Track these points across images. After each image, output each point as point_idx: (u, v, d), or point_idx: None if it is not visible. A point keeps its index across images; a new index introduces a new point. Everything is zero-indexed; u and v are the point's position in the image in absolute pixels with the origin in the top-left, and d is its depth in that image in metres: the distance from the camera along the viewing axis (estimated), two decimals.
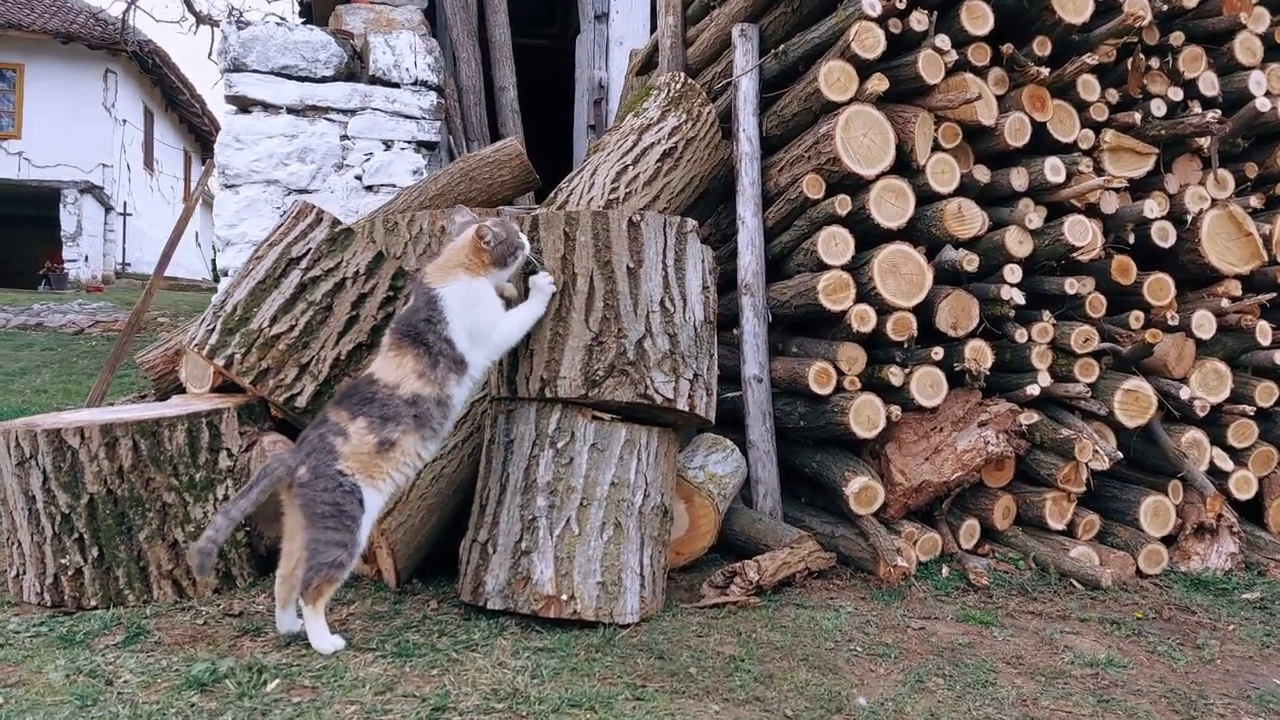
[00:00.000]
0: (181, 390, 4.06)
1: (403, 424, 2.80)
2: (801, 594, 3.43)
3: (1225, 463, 4.18)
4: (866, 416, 3.73)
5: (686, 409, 3.08)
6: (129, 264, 20.98)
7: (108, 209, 20.35)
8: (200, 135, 25.13)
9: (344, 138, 6.40)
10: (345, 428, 2.76)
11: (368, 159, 6.43)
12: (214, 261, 22.93)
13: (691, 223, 3.19)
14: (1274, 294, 4.29)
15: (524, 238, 2.99)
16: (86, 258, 19.43)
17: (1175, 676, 2.87)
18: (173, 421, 3.13)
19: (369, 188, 6.41)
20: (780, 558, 3.41)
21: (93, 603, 3.04)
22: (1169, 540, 4.00)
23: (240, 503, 2.67)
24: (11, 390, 7.59)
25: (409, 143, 6.45)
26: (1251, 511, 4.30)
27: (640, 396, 3.00)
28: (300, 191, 6.25)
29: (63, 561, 3.04)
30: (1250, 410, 4.21)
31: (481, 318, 2.91)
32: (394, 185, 6.29)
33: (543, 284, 3.03)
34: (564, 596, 2.91)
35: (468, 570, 3.07)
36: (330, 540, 2.68)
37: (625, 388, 2.99)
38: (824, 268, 3.83)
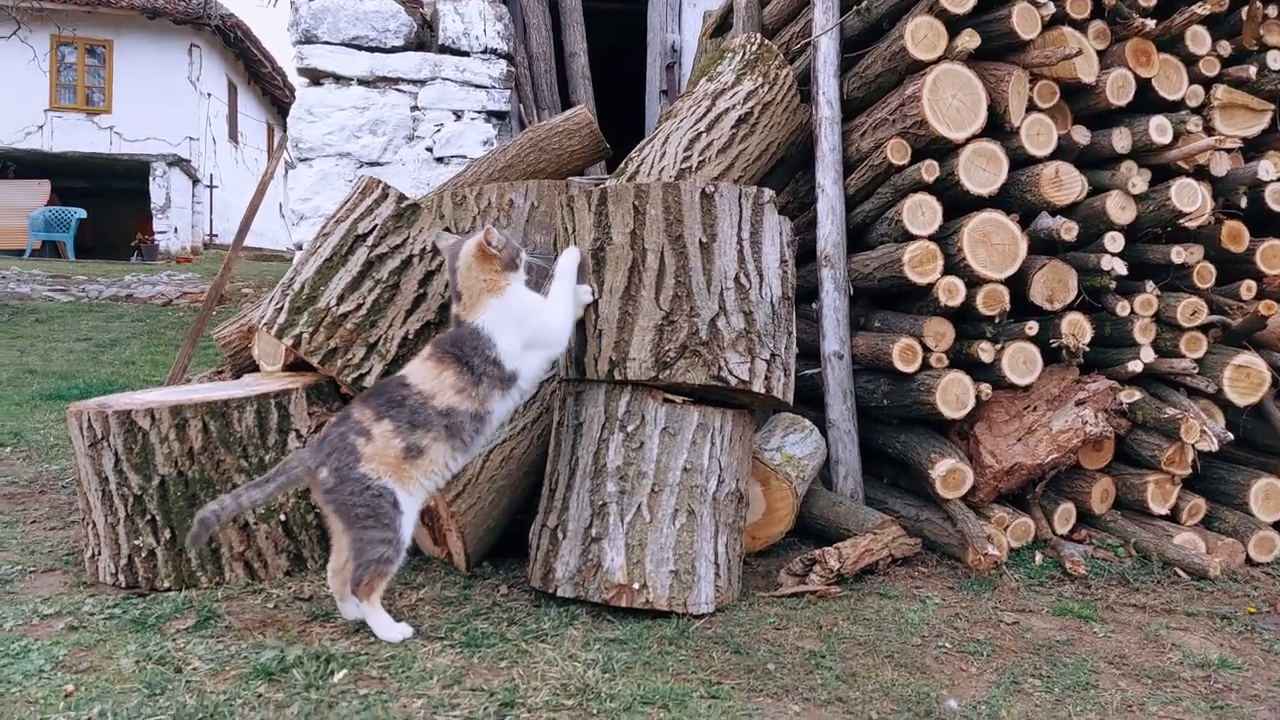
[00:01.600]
0: (256, 367, 4.05)
1: (433, 431, 2.69)
2: (885, 582, 3.28)
3: None
4: (955, 395, 3.53)
5: (762, 391, 2.94)
6: (216, 235, 21.48)
7: (194, 181, 20.83)
8: (282, 107, 25.49)
9: (414, 109, 6.34)
10: (369, 428, 2.66)
11: (438, 130, 6.36)
12: None
13: (768, 193, 3.02)
14: None
15: (517, 241, 2.90)
16: (176, 229, 19.94)
17: None
18: (241, 403, 3.09)
19: (440, 159, 6.34)
20: (862, 544, 3.26)
21: (166, 584, 3.04)
22: None
23: (253, 492, 2.62)
24: (102, 361, 7.77)
25: (479, 112, 6.36)
26: None
27: (713, 378, 2.86)
28: (372, 164, 6.22)
29: (136, 543, 3.04)
30: None
31: (528, 325, 2.80)
32: (464, 156, 6.22)
33: (565, 263, 2.94)
34: (635, 585, 2.81)
35: (537, 556, 2.99)
36: (373, 539, 2.61)
37: (697, 369, 2.86)
38: (909, 238, 3.63)
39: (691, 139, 3.80)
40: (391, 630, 2.66)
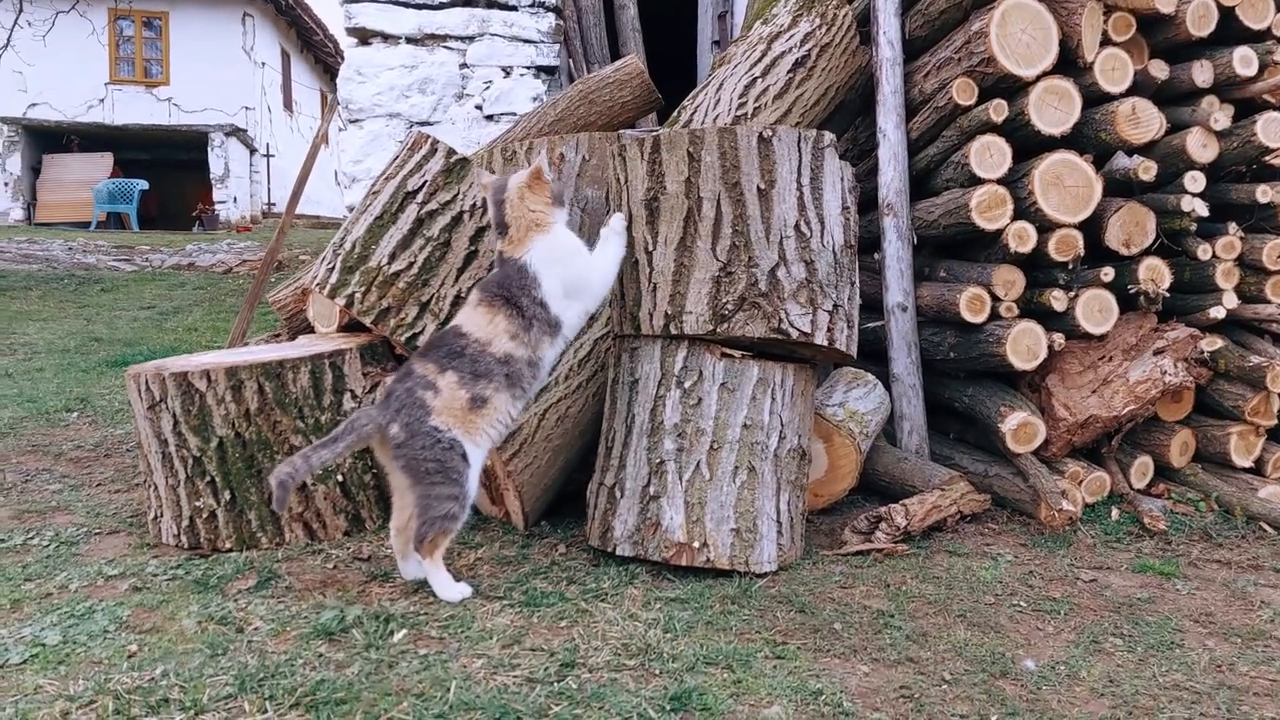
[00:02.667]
0: (311, 329, 4.04)
1: (494, 381, 2.66)
2: (953, 540, 3.17)
3: None
4: (1026, 346, 3.39)
5: (825, 344, 2.84)
6: (274, 204, 21.72)
7: (251, 151, 21.05)
8: (334, 75, 25.57)
9: (463, 66, 6.26)
10: (435, 381, 2.63)
11: (487, 87, 6.28)
12: None
13: (829, 136, 2.90)
14: None
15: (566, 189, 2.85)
16: (235, 199, 20.21)
17: None
18: (296, 364, 3.07)
19: (489, 117, 6.26)
20: (930, 501, 3.15)
21: (227, 545, 3.05)
22: None
23: (322, 452, 2.58)
24: (165, 329, 7.90)
25: (528, 68, 6.25)
26: None
27: (773, 331, 2.77)
28: (422, 124, 6.16)
29: (197, 504, 3.04)
30: None
31: (572, 266, 2.75)
32: (514, 113, 6.13)
33: (616, 224, 2.90)
34: (696, 544, 2.75)
35: (595, 514, 2.93)
36: (440, 495, 2.59)
37: (757, 322, 2.76)
38: (977, 182, 3.48)
39: (746, 85, 3.67)
40: (452, 590, 2.63)
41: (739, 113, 3.62)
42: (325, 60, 24.92)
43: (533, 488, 3.15)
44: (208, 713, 2.06)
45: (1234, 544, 3.18)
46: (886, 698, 2.16)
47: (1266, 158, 3.50)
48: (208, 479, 3.04)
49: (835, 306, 2.87)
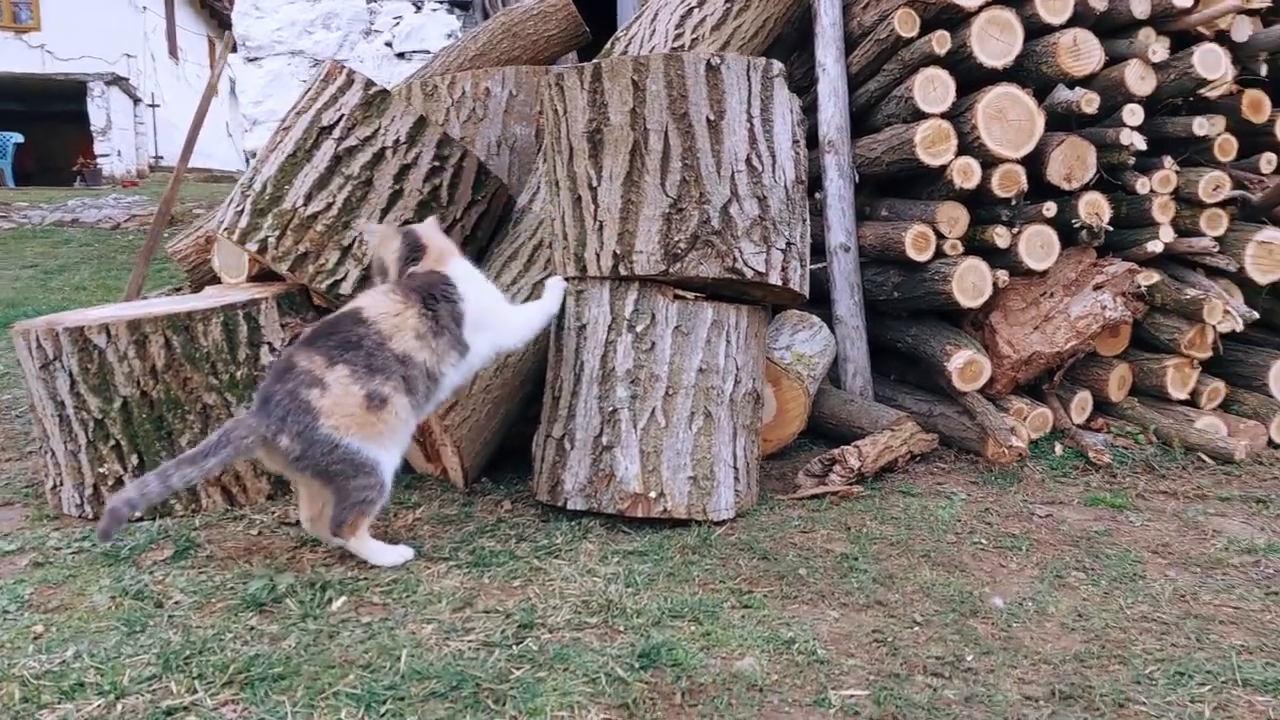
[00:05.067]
0: (217, 280, 3.76)
1: (392, 380, 2.38)
2: (905, 480, 3.12)
3: None
4: (971, 284, 3.34)
5: (780, 283, 2.72)
6: (161, 157, 20.65)
7: (135, 101, 19.94)
8: (223, 20, 24.38)
9: (370, 0, 5.91)
10: (321, 376, 2.33)
11: (397, 23, 5.93)
12: (246, 152, 22.58)
13: (778, 65, 2.76)
14: None
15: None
16: (119, 152, 19.14)
17: None
18: (206, 315, 2.82)
19: (400, 55, 5.93)
20: (881, 442, 3.09)
21: (137, 514, 2.80)
22: None
23: (187, 469, 2.26)
24: (51, 288, 7.39)
25: (441, 3, 5.93)
26: None
27: (728, 270, 2.64)
28: None
29: (101, 471, 2.79)
30: None
31: (488, 298, 2.60)
32: (426, 51, 5.82)
33: (554, 284, 2.80)
34: (652, 494, 2.62)
35: (543, 468, 2.78)
36: (357, 486, 2.36)
37: (711, 261, 2.63)
38: (920, 116, 3.38)
39: (683, 15, 3.49)
40: (388, 554, 2.45)
41: (675, 44, 3.45)
42: (212, 4, 23.69)
43: (472, 442, 2.97)
44: (130, 695, 1.87)
45: (1176, 475, 3.20)
46: (860, 643, 2.08)
47: (1203, 90, 3.48)
48: (112, 443, 2.79)
49: (788, 244, 2.75)
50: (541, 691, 1.87)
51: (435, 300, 2.48)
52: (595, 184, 2.69)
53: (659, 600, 2.24)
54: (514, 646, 2.05)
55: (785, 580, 2.37)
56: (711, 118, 2.63)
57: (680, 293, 2.69)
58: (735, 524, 2.70)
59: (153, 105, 20.44)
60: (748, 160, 2.67)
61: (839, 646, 2.07)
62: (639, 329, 2.66)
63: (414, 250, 2.56)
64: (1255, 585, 2.37)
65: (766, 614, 2.19)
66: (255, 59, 5.78)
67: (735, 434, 2.72)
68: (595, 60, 2.84)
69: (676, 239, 2.62)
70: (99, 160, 18.62)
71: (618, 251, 2.66)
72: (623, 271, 2.66)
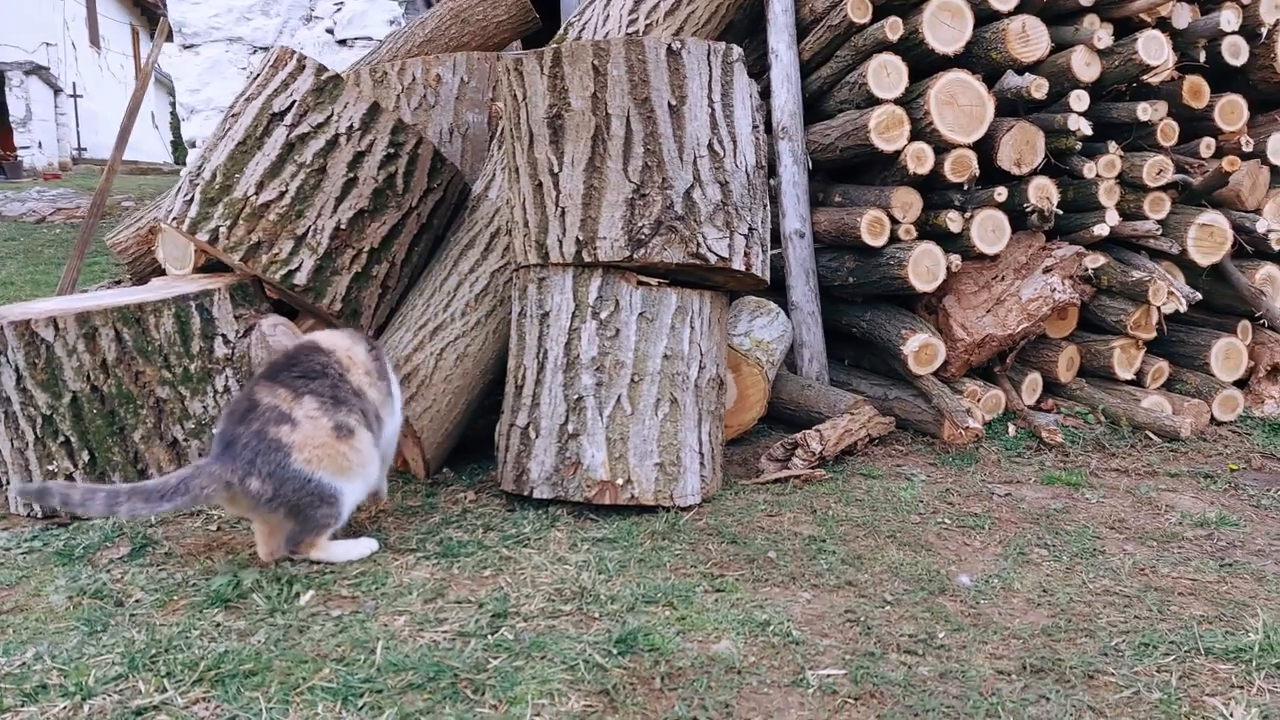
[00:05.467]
0: (160, 273, 3.66)
1: (355, 414, 2.35)
2: (865, 463, 3.16)
3: None
4: (926, 268, 3.38)
5: (743, 268, 2.72)
6: (85, 149, 20.02)
7: (56, 91, 19.29)
8: (146, 9, 23.72)
9: None
10: (290, 412, 2.27)
11: (338, 9, 5.81)
12: (174, 143, 21.97)
13: (737, 50, 2.76)
14: None
15: None
16: (40, 144, 18.51)
17: None
18: (158, 306, 2.75)
19: (342, 42, 5.81)
20: (842, 425, 3.12)
21: (60, 511, 2.72)
22: (1240, 384, 3.74)
23: (138, 504, 2.17)
24: None
25: None
26: None
27: (692, 256, 2.64)
28: (266, 49, 5.66)
29: (50, 468, 2.70)
30: None
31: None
32: (369, 38, 5.71)
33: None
34: (619, 481, 2.62)
35: (507, 457, 2.76)
36: (321, 513, 2.31)
37: (675, 247, 2.62)
38: (874, 102, 3.42)
39: (636, 0, 3.48)
40: (353, 548, 2.41)
41: (630, 30, 3.44)
42: None
43: (433, 433, 2.94)
44: (96, 696, 1.81)
45: (1126, 453, 3.28)
46: (833, 623, 2.10)
47: (1146, 76, 3.57)
48: (61, 439, 2.70)
49: (750, 229, 2.75)
50: (521, 680, 1.85)
51: (376, 345, 2.51)
52: (557, 170, 2.67)
53: (632, 586, 2.24)
54: (489, 636, 2.03)
55: (756, 563, 2.38)
56: (673, 103, 2.63)
57: (644, 279, 2.68)
58: (702, 509, 2.71)
59: (74, 95, 19.80)
60: (710, 145, 2.67)
61: (813, 627, 2.08)
62: (603, 316, 2.65)
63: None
64: (1210, 557, 2.44)
65: (739, 597, 2.20)
66: (192, 46, 5.62)
67: (700, 420, 2.73)
68: (553, 45, 2.82)
69: (640, 225, 2.61)
70: (19, 152, 17.98)
71: (581, 238, 2.64)
72: (586, 258, 2.64)
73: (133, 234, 4.12)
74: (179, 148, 20.92)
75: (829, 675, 1.89)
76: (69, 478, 2.70)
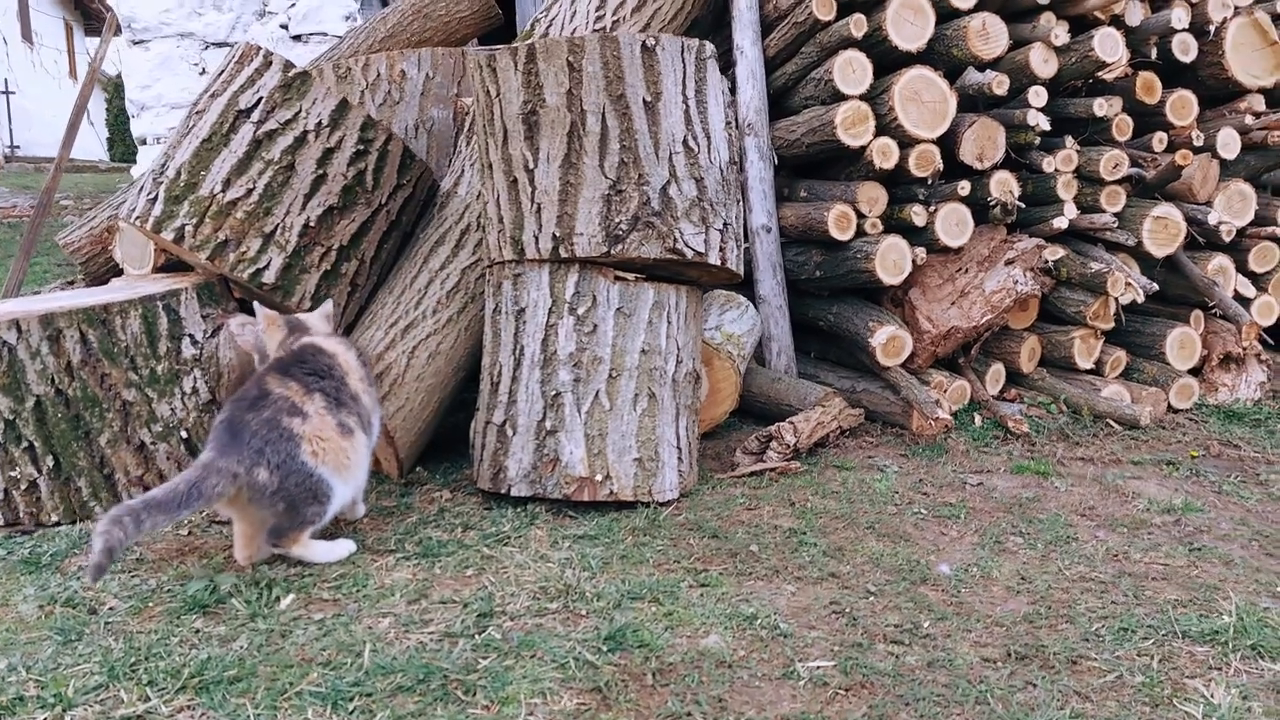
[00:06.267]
0: (116, 273, 3.58)
1: (353, 415, 2.38)
2: (838, 455, 3.19)
3: (1248, 289, 4.00)
4: (893, 261, 3.42)
5: (718, 263, 2.73)
6: (18, 146, 19.43)
7: None
8: (79, 3, 23.10)
9: None
10: (302, 405, 2.29)
11: (293, 5, 5.70)
12: (108, 140, 21.43)
13: (710, 47, 2.77)
14: None
15: None
16: None
17: (1255, 517, 2.70)
18: (124, 307, 2.68)
19: (296, 37, 5.71)
20: (814, 418, 3.14)
21: (54, 518, 2.66)
22: (1194, 373, 3.83)
23: (156, 516, 2.07)
24: None
25: None
26: (1271, 338, 4.16)
27: (669, 251, 2.64)
28: (219, 44, 5.56)
29: (13, 474, 2.63)
30: (1277, 233, 4.00)
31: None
32: (324, 34, 5.62)
33: None
34: (598, 477, 2.61)
35: (484, 455, 2.74)
36: (311, 510, 2.29)
37: (652, 242, 2.62)
38: (840, 98, 3.45)
39: None
40: (332, 551, 2.38)
41: (597, 26, 3.43)
42: None
43: (406, 432, 2.91)
44: (77, 707, 1.78)
45: (1089, 441, 3.35)
46: (819, 615, 2.12)
47: (1101, 72, 3.64)
48: (25, 445, 2.63)
49: (725, 225, 2.76)
50: (511, 679, 1.85)
51: (364, 353, 2.57)
52: (532, 166, 2.65)
53: (616, 583, 2.23)
54: (477, 636, 2.02)
55: (738, 557, 2.39)
56: (648, 99, 2.62)
57: (621, 274, 2.68)
58: (680, 504, 2.71)
59: (6, 92, 19.23)
60: (684, 141, 2.67)
61: (799, 619, 2.10)
62: (580, 311, 2.64)
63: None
64: (1179, 543, 2.51)
65: (724, 591, 2.21)
66: (142, 41, 5.48)
67: (678, 414, 2.74)
68: (525, 41, 2.80)
69: (617, 220, 2.61)
70: None
71: (557, 234, 2.63)
72: (563, 254, 2.63)
73: (86, 234, 4.03)
74: (115, 145, 20.46)
75: (819, 667, 1.91)
76: (31, 485, 2.63)
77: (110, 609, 2.16)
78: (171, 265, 3.22)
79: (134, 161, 7.47)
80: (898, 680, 1.85)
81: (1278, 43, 3.95)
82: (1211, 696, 1.78)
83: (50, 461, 2.63)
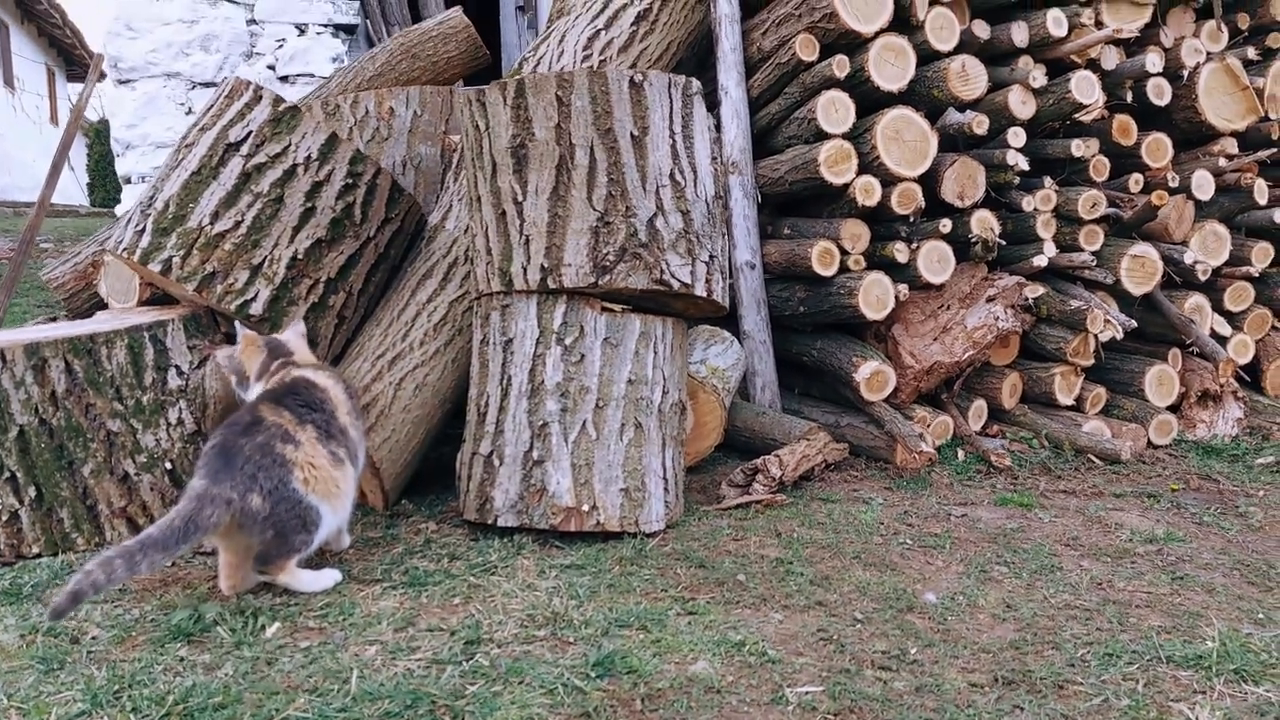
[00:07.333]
0: (101, 307, 3.58)
1: (342, 448, 2.40)
2: (823, 488, 3.20)
3: (1224, 328, 4.07)
4: (876, 297, 3.46)
5: (705, 294, 2.76)
6: None
7: None
8: (62, 49, 23.20)
9: (251, 22, 5.72)
10: (294, 434, 2.30)
11: (280, 46, 5.77)
12: (89, 185, 21.40)
13: (696, 83, 2.82)
14: (1272, 150, 4.13)
15: None
16: None
17: (1235, 547, 2.73)
18: (110, 337, 2.68)
19: (284, 79, 5.77)
20: (799, 451, 3.16)
21: (35, 550, 2.63)
22: (1172, 409, 3.88)
23: (153, 555, 2.06)
24: None
25: (325, 26, 5.79)
26: (1247, 375, 4.22)
27: (656, 282, 2.67)
28: (206, 85, 5.60)
29: None
30: (1253, 272, 4.07)
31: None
32: (311, 75, 5.68)
33: None
34: (585, 507, 2.61)
35: (470, 486, 2.74)
36: (299, 538, 2.28)
37: (639, 273, 2.65)
38: (823, 137, 3.51)
39: (590, 37, 3.53)
40: (318, 580, 2.37)
41: (584, 65, 3.48)
42: (51, 33, 22.46)
43: (392, 464, 2.90)
44: None
45: (1071, 475, 3.38)
46: (807, 642, 2.12)
47: (1078, 114, 3.73)
48: (6, 475, 2.61)
49: (711, 257, 2.80)
50: (500, 705, 1.84)
51: (352, 387, 2.56)
52: (520, 199, 2.69)
53: (604, 611, 2.23)
54: (465, 663, 2.01)
55: (725, 586, 2.39)
56: (636, 133, 2.67)
57: (608, 305, 2.70)
58: (667, 534, 2.72)
59: None
60: (671, 175, 2.71)
61: (787, 646, 2.10)
62: (568, 342, 2.66)
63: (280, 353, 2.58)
64: (1162, 571, 2.53)
65: (712, 619, 2.21)
66: (128, 81, 5.52)
67: (664, 445, 2.75)
68: (518, 76, 2.85)
69: (605, 251, 2.63)
70: None
71: (545, 265, 2.66)
72: (551, 284, 2.66)
73: (70, 269, 4.03)
74: (96, 190, 20.43)
75: (807, 693, 1.91)
76: (13, 516, 2.61)
77: (93, 638, 2.14)
78: (157, 299, 3.23)
79: (116, 203, 7.47)
80: (886, 705, 1.86)
81: (1249, 88, 4.06)
82: (1197, 719, 1.79)
83: (32, 492, 2.61)
